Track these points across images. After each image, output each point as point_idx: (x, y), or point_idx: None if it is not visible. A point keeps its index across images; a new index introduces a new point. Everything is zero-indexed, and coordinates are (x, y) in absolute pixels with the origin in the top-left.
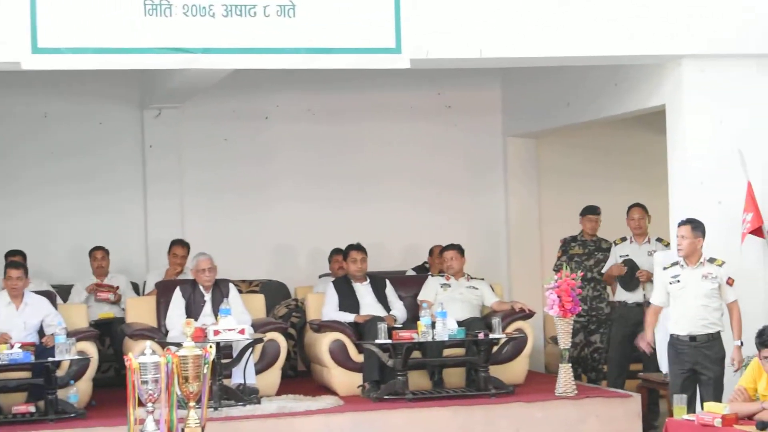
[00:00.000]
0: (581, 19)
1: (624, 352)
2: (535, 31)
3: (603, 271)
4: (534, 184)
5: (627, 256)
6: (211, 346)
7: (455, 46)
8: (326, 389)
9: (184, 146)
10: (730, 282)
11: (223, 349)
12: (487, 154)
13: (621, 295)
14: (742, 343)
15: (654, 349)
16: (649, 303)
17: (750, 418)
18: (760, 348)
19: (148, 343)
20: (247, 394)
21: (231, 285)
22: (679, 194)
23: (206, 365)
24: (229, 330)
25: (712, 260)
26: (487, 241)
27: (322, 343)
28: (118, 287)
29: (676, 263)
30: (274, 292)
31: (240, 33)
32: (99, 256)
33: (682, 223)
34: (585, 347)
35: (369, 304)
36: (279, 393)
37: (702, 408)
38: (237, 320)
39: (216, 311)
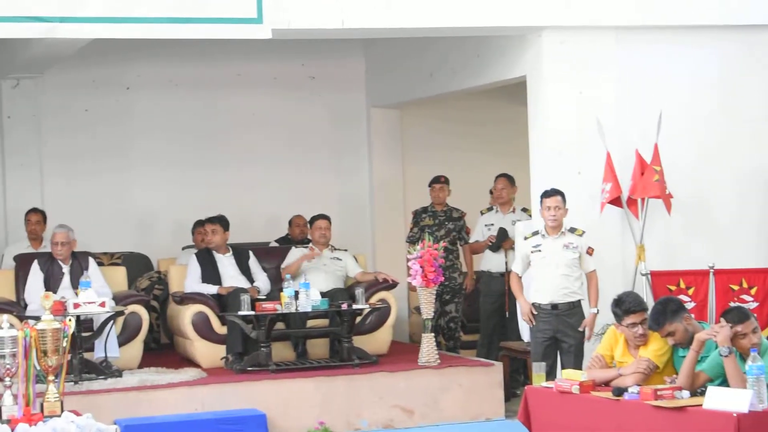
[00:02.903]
0: None
1: (493, 324)
2: (398, 2)
3: (471, 240)
4: (398, 156)
5: (492, 225)
6: (70, 320)
7: (317, 16)
8: (189, 361)
9: (44, 117)
10: (590, 251)
11: (84, 323)
12: (351, 126)
13: (486, 264)
14: (598, 311)
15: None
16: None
17: (607, 384)
18: (623, 316)
19: (5, 316)
20: (108, 368)
21: (90, 258)
22: (539, 165)
23: (65, 339)
24: (90, 303)
25: (572, 230)
26: (351, 213)
27: (185, 316)
28: None
29: (536, 233)
30: (136, 264)
31: (99, 2)
32: None
33: (552, 194)
34: (441, 317)
35: (232, 276)
36: (141, 366)
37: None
38: (96, 293)
39: (75, 284)
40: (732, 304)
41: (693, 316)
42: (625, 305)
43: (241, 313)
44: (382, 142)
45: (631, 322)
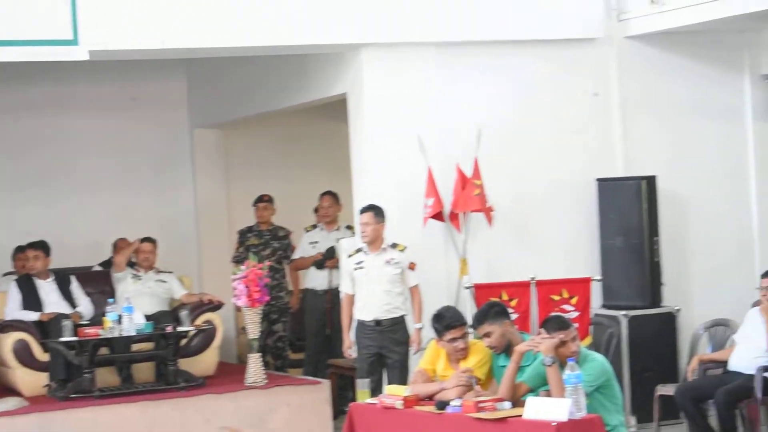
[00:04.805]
0: (263, 8)
1: (319, 342)
2: (218, 21)
3: (294, 257)
4: (222, 176)
5: (317, 242)
6: None
7: (136, 36)
8: (10, 391)
9: None
10: (411, 266)
11: None
12: (174, 147)
13: (311, 282)
14: (422, 326)
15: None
16: (336, 290)
17: (430, 398)
18: (443, 331)
19: None
20: None
21: None
22: (361, 181)
23: None
24: None
25: (394, 245)
26: (175, 234)
27: (5, 344)
28: None
29: (359, 250)
30: None
31: None
32: None
33: (364, 210)
34: (268, 336)
35: (53, 302)
36: None
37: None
38: None
39: None
40: (552, 314)
41: (516, 327)
42: (445, 321)
43: (63, 339)
44: (205, 163)
45: (452, 337)
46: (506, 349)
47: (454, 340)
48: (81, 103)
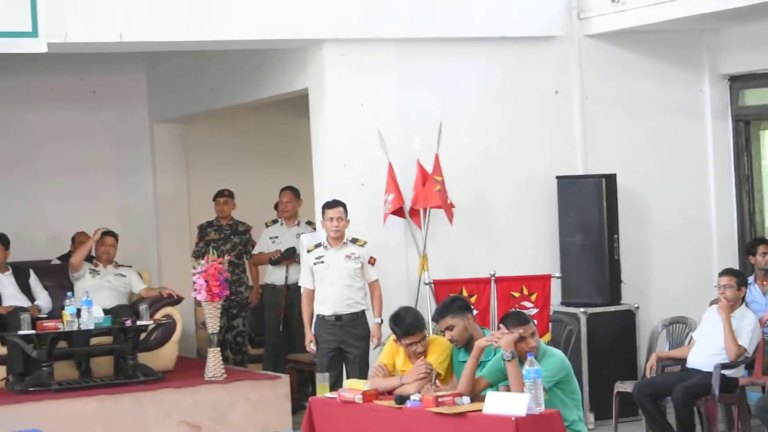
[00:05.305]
0: (223, 2)
1: (279, 337)
2: (177, 15)
3: (254, 252)
4: (182, 170)
5: (277, 237)
6: None
7: (95, 29)
8: None
9: None
10: (372, 261)
11: None
12: (134, 141)
13: (269, 277)
14: (382, 321)
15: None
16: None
17: (390, 393)
18: (402, 336)
19: None
20: None
21: None
22: (323, 177)
23: None
24: None
25: (354, 240)
26: (135, 228)
27: None
28: None
29: (319, 245)
30: None
31: None
32: None
33: (334, 205)
34: (228, 331)
35: (11, 295)
36: None
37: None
38: None
39: None
40: (512, 310)
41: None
42: (403, 326)
43: (21, 332)
44: (166, 157)
45: (410, 342)
46: (467, 344)
47: (412, 344)
48: (40, 95)
